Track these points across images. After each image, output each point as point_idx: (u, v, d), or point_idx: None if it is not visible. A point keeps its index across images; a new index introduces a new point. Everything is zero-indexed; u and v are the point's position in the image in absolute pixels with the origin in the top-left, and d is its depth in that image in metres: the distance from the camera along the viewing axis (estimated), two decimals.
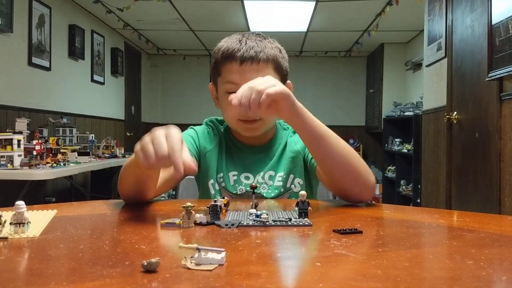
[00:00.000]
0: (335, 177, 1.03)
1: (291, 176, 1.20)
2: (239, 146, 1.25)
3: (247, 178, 1.20)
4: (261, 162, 1.22)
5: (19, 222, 0.68)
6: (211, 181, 1.21)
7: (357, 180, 1.01)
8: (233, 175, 1.20)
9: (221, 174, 1.20)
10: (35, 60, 3.99)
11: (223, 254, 0.54)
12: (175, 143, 0.75)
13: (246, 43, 1.13)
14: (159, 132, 0.77)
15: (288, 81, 1.22)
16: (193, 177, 1.31)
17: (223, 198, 0.93)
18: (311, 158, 1.17)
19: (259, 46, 1.12)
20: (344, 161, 0.99)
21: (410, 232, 0.75)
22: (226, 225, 0.75)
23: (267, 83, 0.91)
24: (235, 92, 1.09)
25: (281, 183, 1.20)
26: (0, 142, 2.69)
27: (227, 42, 1.15)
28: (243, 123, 1.15)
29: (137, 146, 0.80)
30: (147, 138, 0.78)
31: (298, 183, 1.20)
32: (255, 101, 0.88)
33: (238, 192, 1.18)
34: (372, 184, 1.03)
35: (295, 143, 1.24)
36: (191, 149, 1.20)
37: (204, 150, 1.23)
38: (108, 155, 4.09)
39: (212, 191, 1.21)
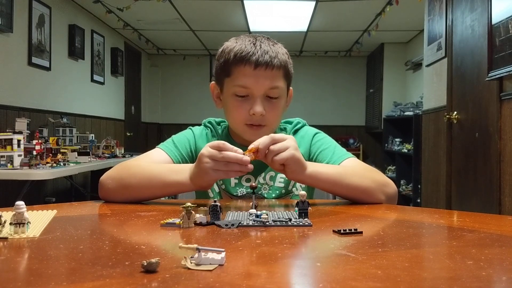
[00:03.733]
0: (351, 201, 1.07)
1: None
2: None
3: (248, 180, 1.19)
4: (261, 163, 1.20)
5: (19, 222, 0.68)
6: None
7: (375, 198, 1.05)
8: (234, 178, 1.18)
9: None
10: (35, 60, 3.99)
11: (223, 254, 0.54)
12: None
13: (260, 47, 1.10)
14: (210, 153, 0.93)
15: (291, 87, 1.22)
16: None
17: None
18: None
19: (273, 51, 1.11)
20: (359, 190, 1.04)
21: (410, 232, 0.75)
22: (226, 225, 0.75)
23: (281, 146, 0.96)
24: (244, 96, 1.11)
25: (282, 185, 1.19)
26: (0, 142, 2.69)
27: (239, 44, 1.12)
28: (249, 128, 1.14)
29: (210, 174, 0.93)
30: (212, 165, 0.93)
31: (300, 185, 1.19)
32: (268, 160, 0.97)
33: (239, 194, 1.18)
34: (391, 196, 1.07)
35: (299, 145, 1.23)
36: (184, 152, 1.19)
37: None
38: (108, 155, 4.09)
39: (211, 194, 1.19)
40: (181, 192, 1.09)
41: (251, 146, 0.96)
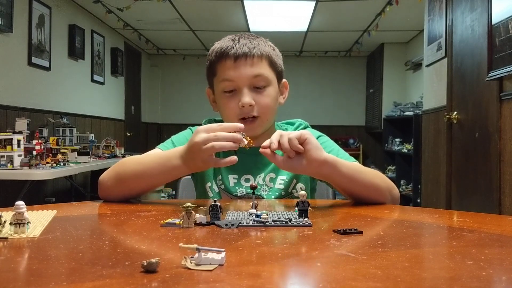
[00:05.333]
0: (360, 199, 1.06)
1: (294, 180, 1.19)
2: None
3: (247, 180, 1.19)
4: (261, 164, 1.20)
5: (19, 222, 0.68)
6: (209, 184, 1.20)
7: (384, 198, 1.06)
8: (233, 178, 1.19)
9: (220, 177, 1.19)
10: (35, 60, 3.98)
11: (223, 254, 0.54)
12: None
13: (239, 41, 1.15)
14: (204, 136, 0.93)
15: (284, 80, 1.23)
16: (189, 177, 1.30)
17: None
18: None
19: (252, 43, 1.15)
20: (373, 188, 1.04)
21: (410, 232, 0.75)
22: (226, 225, 0.75)
23: (290, 131, 0.98)
24: (231, 91, 1.14)
25: (282, 186, 1.18)
26: (0, 142, 2.69)
27: (220, 43, 1.18)
28: (243, 123, 1.15)
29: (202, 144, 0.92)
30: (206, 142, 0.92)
31: (301, 188, 1.19)
32: (283, 140, 0.94)
33: (239, 194, 1.18)
34: (395, 199, 1.08)
35: None
36: None
37: None
38: (108, 155, 4.08)
39: (210, 194, 1.19)
40: (177, 177, 1.09)
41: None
